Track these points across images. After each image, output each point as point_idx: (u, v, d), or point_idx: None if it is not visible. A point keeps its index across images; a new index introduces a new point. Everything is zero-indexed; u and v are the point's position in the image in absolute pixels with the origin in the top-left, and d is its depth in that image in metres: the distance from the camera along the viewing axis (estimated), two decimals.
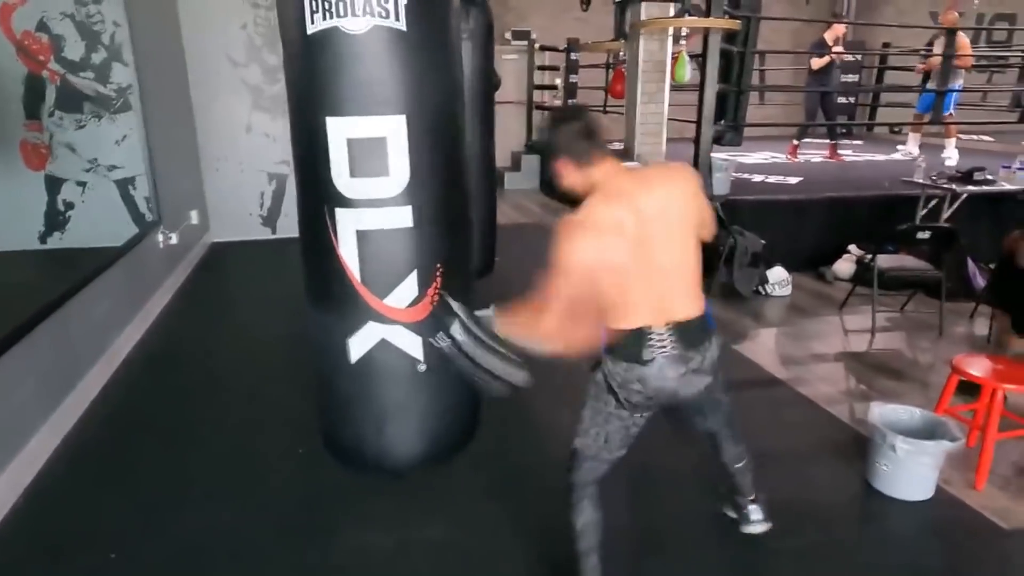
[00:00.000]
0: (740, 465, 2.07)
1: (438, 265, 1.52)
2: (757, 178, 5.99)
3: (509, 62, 9.69)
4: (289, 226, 6.03)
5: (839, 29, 6.83)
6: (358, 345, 1.55)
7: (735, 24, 4.00)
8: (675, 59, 3.71)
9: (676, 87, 3.96)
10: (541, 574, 2.03)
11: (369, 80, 1.42)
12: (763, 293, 4.58)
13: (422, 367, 1.58)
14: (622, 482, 2.50)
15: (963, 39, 6.49)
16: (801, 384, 3.30)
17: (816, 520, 2.29)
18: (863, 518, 2.34)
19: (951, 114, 6.73)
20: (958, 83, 6.63)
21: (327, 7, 1.33)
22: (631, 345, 1.61)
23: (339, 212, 1.47)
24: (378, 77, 1.41)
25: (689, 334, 1.62)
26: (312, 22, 1.34)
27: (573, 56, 8.83)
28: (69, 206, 3.97)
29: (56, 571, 2.03)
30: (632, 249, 1.53)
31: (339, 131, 1.43)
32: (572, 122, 1.60)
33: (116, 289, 3.55)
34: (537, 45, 9.41)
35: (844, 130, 9.84)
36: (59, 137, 4.13)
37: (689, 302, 1.64)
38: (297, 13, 1.38)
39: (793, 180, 5.82)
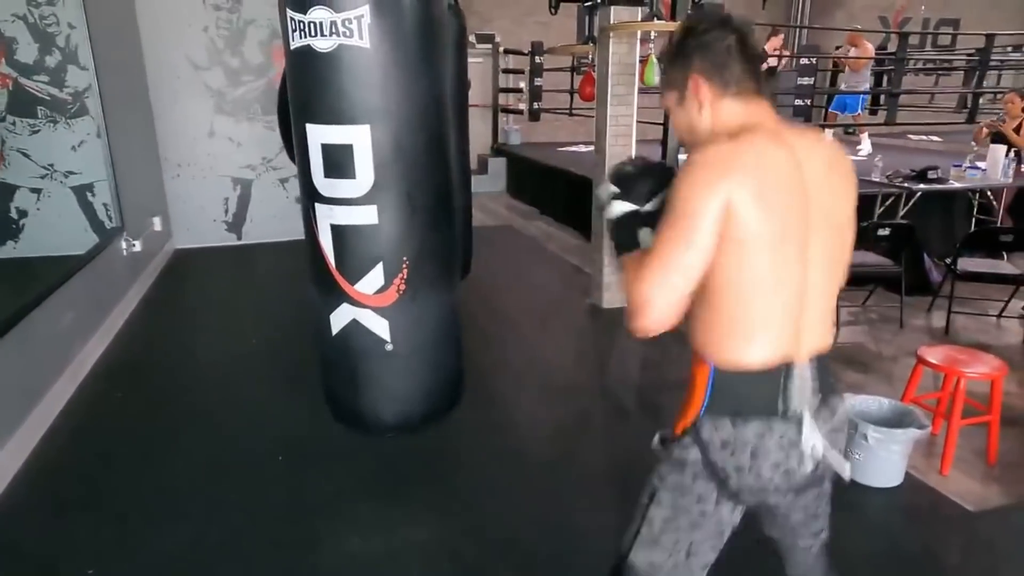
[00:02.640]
0: None
1: (404, 259, 1.65)
2: None
3: (474, 65, 9.68)
4: (256, 232, 5.95)
5: (775, 42, 7.42)
6: (336, 321, 1.76)
7: None
8: (644, 62, 3.77)
9: (643, 90, 4.02)
10: (532, 572, 2.04)
11: (337, 93, 1.55)
12: None
13: (388, 347, 1.74)
14: (601, 472, 2.55)
15: (867, 44, 7.35)
16: None
17: None
18: (837, 505, 2.40)
19: (862, 113, 7.80)
20: (865, 84, 7.58)
21: (303, 27, 1.49)
22: (765, 389, 1.07)
23: (318, 207, 1.65)
24: (345, 91, 1.54)
25: (826, 373, 1.12)
26: (293, 40, 1.47)
27: (538, 59, 8.89)
28: (23, 214, 3.84)
29: None
30: (789, 228, 1.01)
31: (315, 136, 1.59)
32: (724, 31, 1.06)
33: (79, 299, 3.44)
34: (501, 48, 9.45)
35: None
36: (12, 142, 4.00)
37: (828, 330, 1.12)
38: (285, 30, 1.53)
39: None
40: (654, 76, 3.73)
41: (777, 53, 7.48)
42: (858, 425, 2.36)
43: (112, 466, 2.58)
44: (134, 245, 4.31)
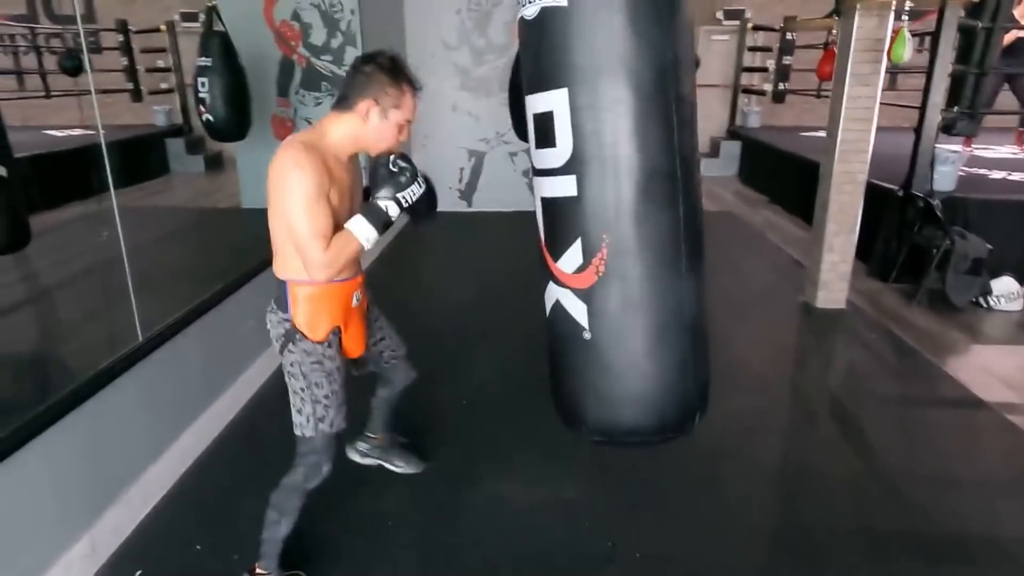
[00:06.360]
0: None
1: (604, 236, 1.49)
2: (997, 174, 5.19)
3: (718, 43, 9.27)
4: (484, 200, 6.46)
5: None
6: (547, 300, 1.64)
7: None
8: (894, 36, 3.33)
9: (893, 69, 3.57)
10: (662, 545, 2.05)
11: (540, 59, 1.50)
12: (984, 305, 4.00)
13: (587, 335, 1.55)
14: (773, 485, 2.43)
15: None
16: (1014, 412, 2.87)
17: (997, 556, 2.04)
18: None
19: None
20: None
21: (520, 2, 1.50)
22: None
23: (534, 179, 1.61)
24: (545, 55, 1.48)
25: (278, 287, 1.74)
26: (518, 15, 1.52)
27: (789, 36, 8.22)
28: None
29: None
30: None
31: (530, 107, 1.55)
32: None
33: None
34: (750, 24, 8.89)
35: None
36: (301, 112, 4.85)
37: (275, 261, 1.74)
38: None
39: None
40: (904, 52, 3.29)
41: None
42: None
43: None
44: None
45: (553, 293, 1.60)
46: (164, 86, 6.03)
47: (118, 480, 2.09)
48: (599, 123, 1.46)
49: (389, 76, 1.65)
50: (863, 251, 4.32)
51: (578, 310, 1.54)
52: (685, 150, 1.54)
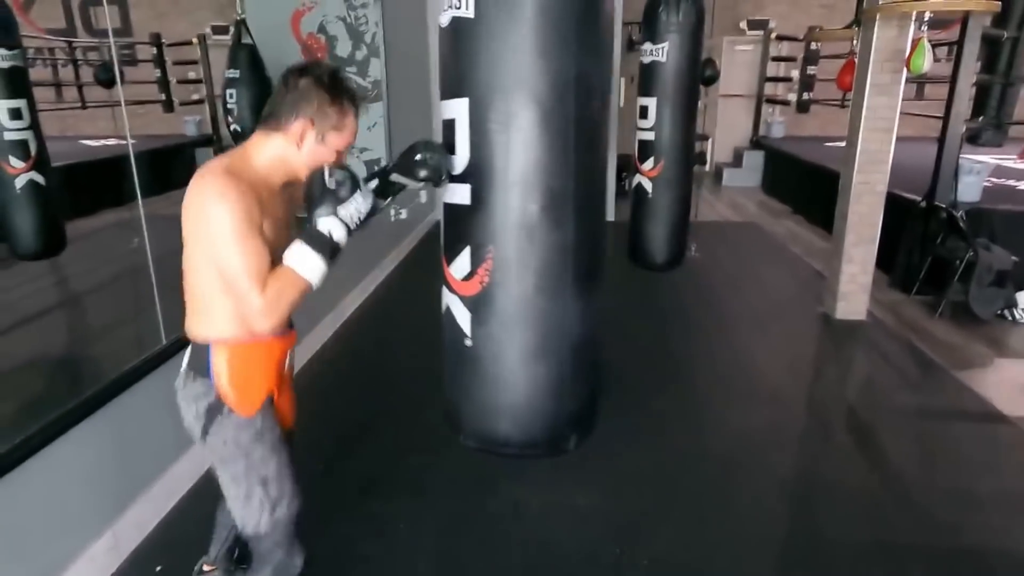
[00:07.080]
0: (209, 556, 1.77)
1: (489, 247, 1.55)
2: None
3: (741, 53, 9.26)
4: None
5: None
6: (441, 304, 1.74)
7: (995, 6, 3.44)
8: (913, 46, 3.31)
9: (919, 79, 3.54)
10: (671, 553, 2.06)
11: (449, 66, 1.58)
12: (1009, 318, 3.93)
13: (468, 342, 1.62)
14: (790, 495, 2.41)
15: None
16: None
17: (1015, 572, 2.01)
18: None
19: None
20: None
21: (441, 7, 1.58)
22: None
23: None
24: (454, 63, 1.55)
25: (191, 353, 1.39)
26: (438, 23, 1.60)
27: (814, 46, 8.17)
28: None
29: None
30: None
31: (441, 113, 1.63)
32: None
33: (348, 254, 4.15)
34: (774, 35, 8.86)
35: None
36: None
37: (191, 320, 1.38)
38: None
39: None
40: (923, 63, 3.26)
41: None
42: None
43: (346, 392, 3.14)
44: (401, 213, 5.05)
45: (445, 298, 1.68)
46: (195, 97, 6.18)
47: (142, 477, 2.16)
48: (493, 135, 1.50)
49: (329, 92, 1.32)
50: (886, 262, 4.28)
51: (463, 317, 1.61)
52: (584, 172, 1.57)
